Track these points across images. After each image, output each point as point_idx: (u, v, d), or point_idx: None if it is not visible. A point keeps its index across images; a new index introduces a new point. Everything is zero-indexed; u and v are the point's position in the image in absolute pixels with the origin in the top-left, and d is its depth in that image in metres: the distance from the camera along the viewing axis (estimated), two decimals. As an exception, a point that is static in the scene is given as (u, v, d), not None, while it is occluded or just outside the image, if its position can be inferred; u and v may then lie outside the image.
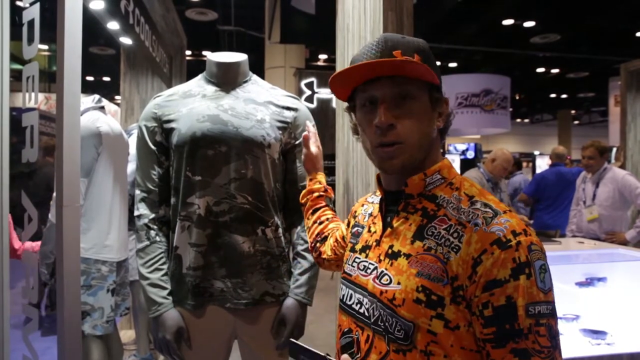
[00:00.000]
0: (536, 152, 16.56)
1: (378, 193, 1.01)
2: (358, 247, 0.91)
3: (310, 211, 1.26)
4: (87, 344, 2.06)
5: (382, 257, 0.82)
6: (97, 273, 2.06)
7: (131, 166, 2.55)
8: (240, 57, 1.42)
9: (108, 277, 2.09)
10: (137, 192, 1.38)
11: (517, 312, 0.68)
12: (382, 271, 0.80)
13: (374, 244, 0.86)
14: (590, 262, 2.51)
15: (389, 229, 0.83)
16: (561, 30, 8.92)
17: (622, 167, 4.79)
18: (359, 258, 0.88)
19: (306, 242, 1.40)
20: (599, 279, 2.26)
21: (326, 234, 1.19)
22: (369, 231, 0.90)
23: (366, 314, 0.82)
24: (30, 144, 1.36)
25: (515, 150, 15.69)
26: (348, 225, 1.03)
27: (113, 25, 2.72)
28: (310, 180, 1.30)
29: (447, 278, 0.72)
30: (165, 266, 1.34)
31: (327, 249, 1.16)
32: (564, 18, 8.20)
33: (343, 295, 0.90)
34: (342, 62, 2.01)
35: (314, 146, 1.32)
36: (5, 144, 1.55)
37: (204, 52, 10.11)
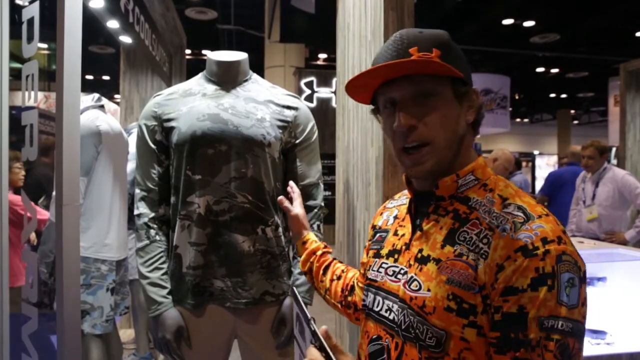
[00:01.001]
0: (535, 152, 16.55)
1: (397, 196, 0.98)
2: (384, 251, 0.86)
3: (321, 272, 1.12)
4: (87, 343, 2.06)
5: (411, 262, 0.78)
6: (96, 272, 2.06)
7: (131, 165, 2.54)
8: (241, 55, 1.42)
9: (107, 276, 2.09)
10: (137, 191, 1.37)
11: (527, 323, 0.64)
12: (412, 276, 0.77)
13: (404, 247, 0.82)
14: (589, 262, 2.48)
15: (418, 232, 0.80)
16: (561, 30, 8.91)
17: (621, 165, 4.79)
18: (387, 263, 0.84)
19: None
20: (599, 279, 2.26)
21: (351, 284, 1.06)
22: (396, 234, 0.86)
23: (396, 320, 0.78)
24: (29, 143, 1.36)
25: (515, 150, 15.67)
26: (370, 240, 0.97)
27: (113, 24, 2.72)
28: (304, 243, 1.17)
29: (477, 286, 0.69)
30: (165, 265, 1.34)
31: (358, 298, 1.02)
32: (563, 18, 8.19)
33: (368, 302, 0.86)
34: (343, 62, 2.01)
35: (299, 207, 1.22)
36: (5, 143, 1.54)
37: (204, 52, 10.10)
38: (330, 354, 0.64)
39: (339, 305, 1.07)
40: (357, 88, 0.80)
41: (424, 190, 0.81)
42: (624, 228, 3.48)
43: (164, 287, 1.32)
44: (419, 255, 0.77)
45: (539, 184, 6.52)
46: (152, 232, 1.34)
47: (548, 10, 7.81)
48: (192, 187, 1.30)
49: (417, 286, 0.75)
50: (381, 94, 0.79)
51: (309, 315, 0.70)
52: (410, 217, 0.83)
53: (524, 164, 9.58)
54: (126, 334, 3.45)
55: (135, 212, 1.37)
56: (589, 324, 2.00)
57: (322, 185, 1.47)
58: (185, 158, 1.31)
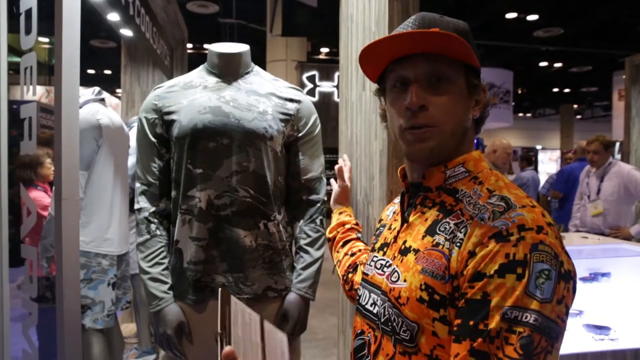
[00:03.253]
0: (538, 147, 16.51)
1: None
2: (377, 245, 0.86)
3: (341, 243, 1.18)
4: (88, 338, 2.05)
5: (395, 254, 0.78)
6: (97, 267, 2.05)
7: (132, 159, 2.53)
8: (242, 47, 1.40)
9: (109, 271, 2.08)
10: (138, 185, 1.36)
11: (489, 311, 0.60)
12: (394, 268, 0.76)
13: (392, 240, 0.81)
14: (594, 257, 2.48)
15: (405, 224, 0.79)
16: (564, 24, 8.84)
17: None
18: (377, 257, 0.84)
19: (309, 236, 1.38)
20: (603, 274, 2.24)
21: (357, 262, 1.10)
22: (390, 228, 0.86)
23: (377, 313, 0.78)
24: (28, 136, 1.34)
25: (518, 145, 15.64)
26: (373, 238, 0.98)
27: (113, 17, 2.69)
28: (340, 213, 1.27)
29: (448, 275, 0.66)
30: (165, 260, 1.33)
31: (358, 278, 1.05)
32: (567, 11, 8.13)
33: (360, 297, 0.86)
34: (346, 54, 1.98)
35: (348, 180, 1.34)
36: (4, 138, 1.53)
37: (205, 45, 10.06)
38: None
39: (342, 279, 1.12)
40: (370, 59, 0.77)
41: (415, 182, 0.81)
42: (629, 223, 3.46)
43: (164, 283, 1.30)
44: (403, 246, 0.77)
45: (542, 179, 6.49)
46: (153, 226, 1.33)
47: (552, 3, 7.75)
48: (193, 181, 1.29)
49: (396, 277, 0.74)
50: (392, 71, 0.76)
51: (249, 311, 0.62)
52: (402, 210, 0.83)
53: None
54: (128, 328, 3.45)
55: (136, 206, 1.35)
56: (593, 320, 2.00)
57: (325, 180, 1.45)
58: (186, 151, 1.29)
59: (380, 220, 0.97)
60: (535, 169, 11.81)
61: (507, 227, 0.63)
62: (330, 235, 1.23)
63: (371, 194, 1.75)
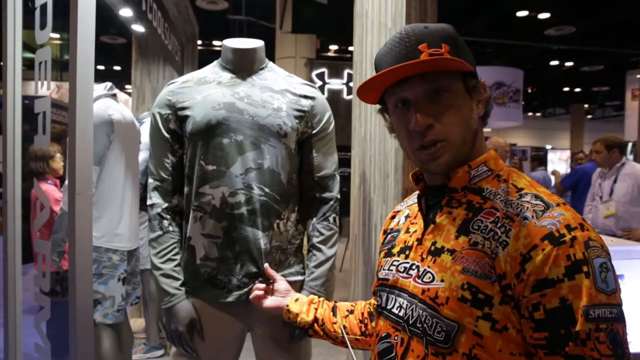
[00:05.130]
0: (548, 147, 16.37)
1: (406, 200, 0.98)
2: (395, 250, 0.85)
3: (331, 314, 1.06)
4: (98, 333, 2.06)
5: (424, 255, 0.77)
6: (108, 262, 2.05)
7: (142, 155, 2.53)
8: (257, 43, 1.39)
9: (119, 266, 2.08)
10: (150, 180, 1.35)
11: (575, 316, 0.62)
12: (425, 269, 0.76)
13: (415, 243, 0.81)
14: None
15: (431, 226, 0.78)
16: (576, 22, 8.75)
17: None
18: (398, 260, 0.83)
19: (322, 234, 1.37)
20: (617, 276, 2.21)
21: (367, 311, 1.04)
22: (407, 232, 0.85)
23: (403, 315, 0.78)
24: (42, 131, 1.34)
25: (527, 145, 15.52)
26: (382, 247, 0.94)
27: (126, 12, 2.70)
28: (296, 300, 1.13)
29: (495, 275, 0.66)
30: (178, 256, 1.32)
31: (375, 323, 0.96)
32: (579, 10, 8.03)
33: (381, 301, 0.85)
34: (360, 51, 1.96)
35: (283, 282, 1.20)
36: (18, 133, 1.53)
37: (215, 42, 10.08)
38: None
39: (362, 337, 1.02)
40: (367, 90, 0.79)
41: (435, 184, 0.81)
42: (641, 225, 3.42)
43: (177, 279, 1.30)
44: (432, 247, 0.76)
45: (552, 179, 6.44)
46: (165, 222, 1.32)
47: (564, 1, 7.67)
48: (205, 178, 1.28)
49: (430, 278, 0.74)
50: (391, 94, 0.78)
51: None
52: (422, 213, 0.82)
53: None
54: (136, 323, 3.47)
55: (148, 202, 1.35)
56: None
57: (338, 177, 1.43)
58: (199, 148, 1.28)
59: (386, 231, 0.95)
60: (545, 169, 11.72)
61: (557, 228, 0.64)
62: (311, 319, 1.07)
63: (386, 192, 1.73)
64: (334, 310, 1.07)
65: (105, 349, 2.09)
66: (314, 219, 1.39)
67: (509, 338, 0.67)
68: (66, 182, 1.36)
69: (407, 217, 0.90)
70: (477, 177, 0.77)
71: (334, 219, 1.40)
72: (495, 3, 7.91)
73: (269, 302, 1.16)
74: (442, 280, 0.72)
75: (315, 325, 1.07)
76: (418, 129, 0.73)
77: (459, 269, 0.70)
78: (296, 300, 1.13)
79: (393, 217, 0.96)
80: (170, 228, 1.33)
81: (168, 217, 1.33)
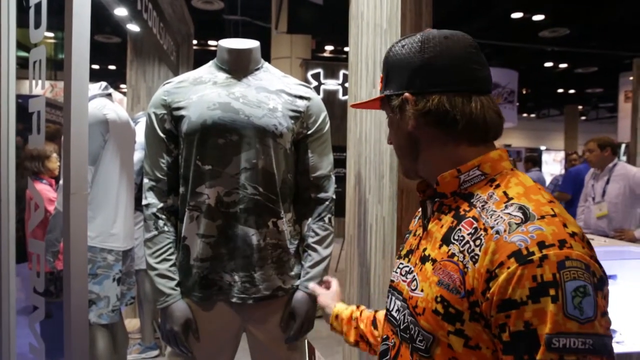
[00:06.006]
0: (542, 148, 16.45)
1: None
2: (403, 252, 0.86)
3: (371, 327, 1.03)
4: (93, 333, 2.05)
5: (417, 261, 0.77)
6: (103, 262, 2.05)
7: (137, 154, 2.52)
8: (253, 43, 1.39)
9: (114, 266, 2.08)
10: (146, 180, 1.35)
11: (539, 341, 0.57)
12: (414, 276, 0.76)
13: (415, 247, 0.81)
14: (599, 260, 2.47)
15: (425, 232, 0.78)
16: (571, 25, 8.80)
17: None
18: (402, 263, 0.83)
19: (317, 234, 1.38)
20: (609, 277, 2.23)
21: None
22: (415, 234, 0.85)
23: (398, 319, 0.78)
24: (37, 130, 1.34)
25: (521, 146, 15.59)
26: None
27: (121, 12, 2.69)
28: (337, 317, 1.10)
29: (464, 290, 0.64)
30: (173, 257, 1.32)
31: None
32: (574, 12, 8.08)
33: (387, 303, 0.86)
34: (356, 52, 1.97)
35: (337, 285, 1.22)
36: (12, 132, 1.52)
37: (210, 42, 10.05)
38: None
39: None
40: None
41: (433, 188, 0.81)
42: (634, 226, 3.44)
43: (172, 279, 1.30)
44: (423, 254, 0.76)
45: (546, 180, 6.47)
46: (161, 222, 1.32)
47: (558, 4, 7.71)
48: (201, 178, 1.28)
49: (415, 286, 0.74)
50: None
51: None
52: (422, 217, 0.82)
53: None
54: (131, 323, 3.45)
55: (144, 202, 1.34)
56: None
57: (333, 177, 1.44)
58: (195, 148, 1.28)
59: (409, 230, 0.95)
60: (539, 170, 11.77)
61: (527, 245, 0.60)
62: (353, 339, 1.05)
63: (380, 192, 1.74)
64: (374, 323, 1.03)
65: (100, 349, 2.08)
66: (309, 219, 1.39)
67: (483, 357, 0.64)
68: (61, 181, 1.35)
69: (418, 218, 0.90)
70: (467, 182, 0.74)
71: (329, 219, 1.40)
72: (490, 5, 7.94)
73: (321, 299, 1.19)
74: (422, 290, 0.71)
75: (361, 343, 1.05)
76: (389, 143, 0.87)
77: (435, 280, 0.69)
78: (336, 317, 1.09)
79: (415, 217, 0.96)
80: (166, 228, 1.32)
81: (163, 217, 1.33)
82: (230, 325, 1.34)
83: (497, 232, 0.63)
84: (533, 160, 5.87)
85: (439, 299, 0.67)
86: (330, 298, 1.17)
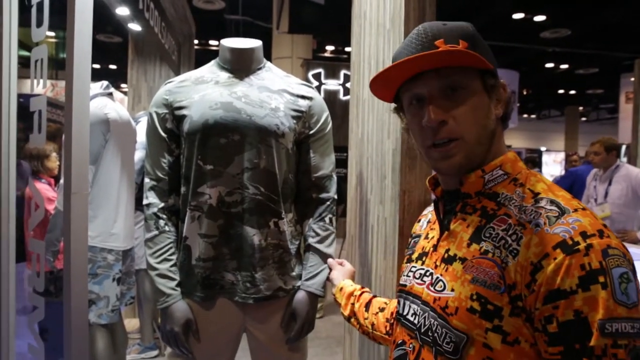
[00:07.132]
0: (543, 148, 16.46)
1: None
2: (414, 256, 0.84)
3: (364, 309, 1.08)
4: (92, 333, 2.05)
5: (438, 263, 0.75)
6: (103, 262, 2.04)
7: (138, 154, 2.52)
8: (255, 43, 1.38)
9: (114, 266, 2.07)
10: (147, 180, 1.34)
11: (591, 329, 0.58)
12: (438, 277, 0.74)
13: (431, 249, 0.79)
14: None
15: (446, 232, 0.76)
16: (572, 25, 8.80)
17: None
18: (415, 267, 0.82)
19: (318, 234, 1.37)
20: (612, 278, 2.22)
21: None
22: (426, 237, 0.84)
23: (416, 323, 0.76)
24: (38, 130, 1.33)
25: (522, 146, 15.60)
26: (406, 252, 0.95)
27: (122, 11, 2.69)
28: (340, 289, 1.16)
29: (504, 286, 0.64)
30: (174, 257, 1.31)
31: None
32: (575, 13, 8.08)
33: (399, 308, 0.84)
34: (358, 52, 1.96)
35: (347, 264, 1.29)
36: (13, 131, 1.52)
37: (211, 42, 10.06)
38: None
39: (387, 337, 1.02)
40: (379, 84, 0.77)
41: (451, 189, 0.78)
42: (636, 227, 3.44)
43: (172, 279, 1.29)
44: (446, 255, 0.74)
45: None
46: (162, 222, 1.31)
47: (559, 4, 7.71)
48: (203, 178, 1.27)
49: (441, 286, 0.72)
50: (406, 91, 0.76)
51: None
52: (438, 218, 0.80)
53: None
54: (131, 323, 3.45)
55: (145, 201, 1.34)
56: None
57: (335, 178, 1.43)
58: (196, 147, 1.27)
59: (412, 234, 0.94)
60: (539, 171, 11.75)
61: (571, 235, 0.61)
62: (348, 312, 1.11)
63: (383, 193, 1.73)
64: (367, 306, 1.07)
65: (100, 349, 2.08)
66: (311, 220, 1.39)
67: (522, 352, 0.64)
68: (61, 181, 1.35)
69: (428, 222, 0.88)
70: (491, 182, 0.73)
71: (331, 219, 1.40)
72: (491, 5, 7.94)
73: (333, 273, 1.25)
74: (452, 290, 0.70)
75: (352, 319, 1.10)
76: (431, 124, 0.70)
77: (468, 279, 0.68)
78: (341, 289, 1.16)
79: (419, 221, 0.95)
80: (167, 228, 1.32)
81: (164, 217, 1.32)
82: (231, 326, 1.33)
83: (537, 225, 0.64)
84: (533, 162, 5.87)
85: (474, 297, 0.66)
86: (342, 274, 1.22)
